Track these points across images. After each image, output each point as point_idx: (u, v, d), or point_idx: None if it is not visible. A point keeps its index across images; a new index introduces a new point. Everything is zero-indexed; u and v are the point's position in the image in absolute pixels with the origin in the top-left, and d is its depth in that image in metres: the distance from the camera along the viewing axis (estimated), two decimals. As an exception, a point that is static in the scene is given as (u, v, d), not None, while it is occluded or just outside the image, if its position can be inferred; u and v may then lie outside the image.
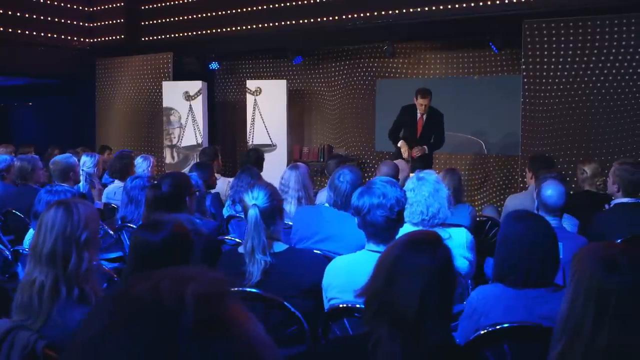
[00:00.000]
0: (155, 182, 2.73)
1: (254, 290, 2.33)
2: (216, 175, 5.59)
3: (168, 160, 8.83)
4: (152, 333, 0.54)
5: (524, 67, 6.29)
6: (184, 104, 8.71)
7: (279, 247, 2.41)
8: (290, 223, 3.27)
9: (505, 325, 2.01)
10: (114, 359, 0.53)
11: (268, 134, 8.57)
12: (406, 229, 2.97)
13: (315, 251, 2.67)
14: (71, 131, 10.02)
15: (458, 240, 2.92)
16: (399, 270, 1.40)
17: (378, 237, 2.19)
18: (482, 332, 2.04)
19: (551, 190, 2.96)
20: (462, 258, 2.92)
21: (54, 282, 1.86)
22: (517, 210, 2.13)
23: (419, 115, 6.25)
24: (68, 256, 1.87)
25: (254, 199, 2.36)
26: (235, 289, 2.38)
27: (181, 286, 0.57)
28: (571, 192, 5.47)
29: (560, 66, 6.11)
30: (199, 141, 8.60)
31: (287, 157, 8.37)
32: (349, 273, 2.19)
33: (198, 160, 6.05)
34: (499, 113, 7.62)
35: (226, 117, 10.06)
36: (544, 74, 6.18)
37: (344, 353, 1.49)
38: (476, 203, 7.88)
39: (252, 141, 8.61)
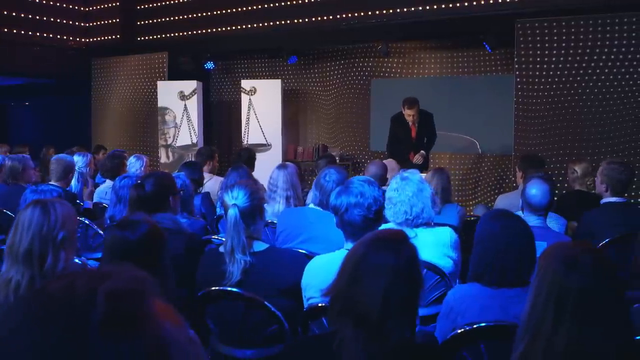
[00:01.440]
0: (139, 181, 2.73)
1: (234, 289, 2.34)
2: (208, 174, 5.60)
3: (163, 160, 8.84)
4: (62, 329, 0.54)
5: (516, 66, 6.30)
6: (179, 104, 8.72)
7: (259, 246, 2.42)
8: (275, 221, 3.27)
9: (482, 324, 2.02)
10: (24, 355, 0.54)
11: (263, 133, 8.57)
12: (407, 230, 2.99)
13: (296, 250, 2.67)
14: (67, 131, 10.04)
15: (442, 240, 2.92)
16: (362, 268, 1.40)
17: (356, 236, 2.19)
18: (459, 331, 2.05)
19: (535, 190, 2.97)
20: (446, 257, 2.92)
21: (30, 282, 1.87)
22: (494, 210, 2.14)
23: (410, 122, 6.26)
24: (44, 255, 1.88)
25: (234, 198, 2.37)
26: (215, 288, 2.40)
27: (95, 283, 0.58)
28: (564, 192, 5.51)
29: (552, 66, 6.11)
30: (194, 141, 8.61)
31: (282, 157, 8.37)
32: (327, 272, 2.18)
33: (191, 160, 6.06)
34: (494, 113, 7.62)
35: (222, 117, 10.07)
36: (537, 73, 6.19)
37: (310, 353, 1.50)
38: (471, 202, 7.88)
39: (247, 141, 8.61)
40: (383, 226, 3.04)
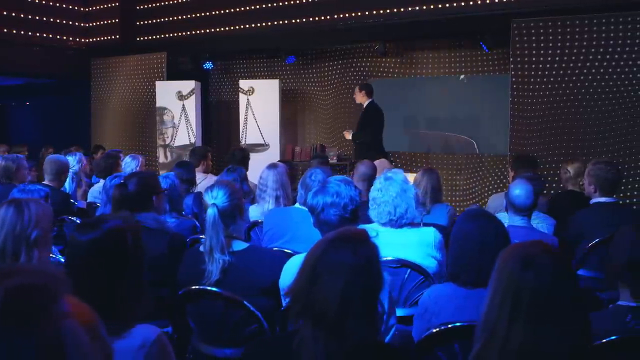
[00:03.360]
0: (122, 181, 2.75)
1: (213, 289, 2.34)
2: (203, 174, 5.61)
3: (161, 159, 8.86)
4: None
5: (512, 66, 6.28)
6: (177, 104, 8.74)
7: (239, 245, 2.42)
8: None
9: (457, 324, 2.01)
10: None
11: (261, 133, 8.58)
12: (374, 229, 2.99)
13: (276, 249, 2.67)
14: (67, 131, 10.09)
15: (426, 240, 2.92)
16: (321, 267, 1.40)
17: (332, 236, 2.19)
18: (434, 330, 2.05)
19: (519, 190, 2.96)
20: (430, 258, 2.92)
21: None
22: (470, 210, 2.14)
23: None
24: (17, 254, 1.89)
25: (213, 198, 2.38)
26: (195, 287, 2.40)
27: (1, 279, 0.59)
28: (557, 192, 5.49)
29: (548, 65, 6.09)
30: (192, 141, 8.63)
31: (280, 157, 8.37)
32: (304, 272, 2.19)
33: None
34: (491, 112, 7.61)
35: (221, 117, 10.08)
36: (532, 73, 6.17)
37: (271, 353, 1.50)
38: (469, 203, 7.86)
39: (245, 141, 8.62)
40: (367, 226, 3.05)
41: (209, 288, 2.35)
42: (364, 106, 6.94)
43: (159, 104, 8.83)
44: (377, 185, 2.90)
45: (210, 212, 2.33)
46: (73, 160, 5.09)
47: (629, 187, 5.82)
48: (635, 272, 1.91)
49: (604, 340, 1.92)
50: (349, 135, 7.08)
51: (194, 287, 2.37)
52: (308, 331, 1.37)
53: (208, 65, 9.32)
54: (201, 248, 2.44)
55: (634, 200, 5.79)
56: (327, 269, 1.39)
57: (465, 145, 8.00)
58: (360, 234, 1.49)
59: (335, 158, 8.44)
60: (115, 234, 1.59)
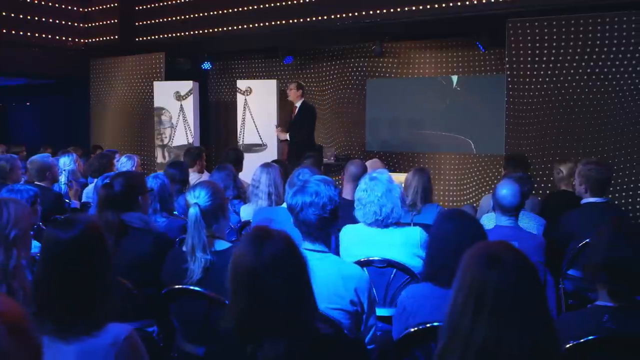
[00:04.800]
0: (107, 181, 2.76)
1: (194, 287, 2.35)
2: (198, 174, 5.63)
3: (159, 160, 8.88)
4: None
5: (507, 66, 6.27)
6: (175, 104, 8.76)
7: (221, 245, 2.43)
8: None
9: (435, 324, 2.02)
10: None
11: (258, 133, 8.59)
12: (360, 229, 3.00)
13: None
14: (66, 131, 10.12)
15: (412, 240, 2.92)
16: (259, 274, 1.47)
17: (311, 235, 2.21)
18: (411, 330, 2.06)
19: (505, 190, 2.96)
20: (416, 257, 2.92)
21: (-18, 279, 1.89)
22: (448, 210, 2.14)
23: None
24: (-4, 253, 1.90)
25: (196, 197, 2.39)
26: (177, 286, 2.41)
27: None
28: (550, 192, 5.48)
29: (544, 65, 6.08)
30: (190, 141, 8.65)
31: (278, 157, 8.38)
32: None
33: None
34: (488, 112, 7.60)
35: (219, 117, 10.10)
36: (528, 73, 6.16)
37: (229, 354, 1.53)
38: (465, 202, 7.86)
39: (243, 141, 8.64)
40: (353, 226, 3.06)
41: (191, 287, 2.36)
42: (298, 105, 7.14)
43: (156, 104, 8.85)
44: (362, 185, 2.91)
45: (192, 211, 2.34)
46: (68, 160, 5.10)
47: (625, 187, 5.80)
48: (611, 272, 1.91)
49: (582, 340, 1.92)
50: (284, 135, 7.17)
51: (176, 287, 2.39)
52: (266, 338, 1.42)
53: (206, 65, 9.33)
54: (184, 247, 2.45)
55: (629, 200, 5.78)
56: (264, 272, 1.46)
57: (463, 145, 7.99)
58: (264, 230, 1.56)
59: (332, 158, 8.44)
60: (92, 232, 1.61)
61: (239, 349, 1.47)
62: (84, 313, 1.57)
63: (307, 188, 2.20)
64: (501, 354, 1.28)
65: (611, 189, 5.75)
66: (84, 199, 5.13)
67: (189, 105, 8.72)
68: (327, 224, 2.21)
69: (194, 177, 5.28)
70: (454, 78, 7.98)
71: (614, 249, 1.91)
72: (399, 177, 4.20)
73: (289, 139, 7.11)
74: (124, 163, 5.73)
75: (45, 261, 1.58)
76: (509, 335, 1.28)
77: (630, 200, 5.78)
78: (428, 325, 2.02)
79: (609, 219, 2.14)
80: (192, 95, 8.72)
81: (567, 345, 1.91)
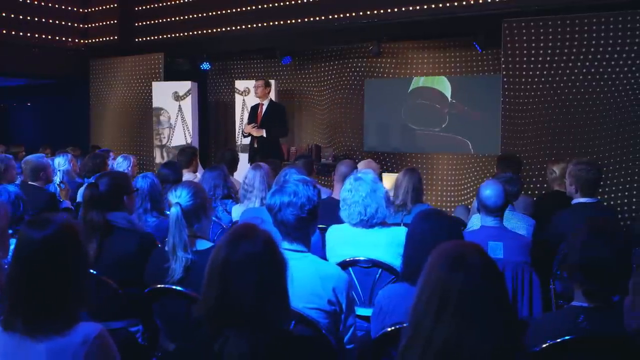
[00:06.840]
0: (93, 181, 2.77)
1: (175, 287, 2.36)
2: (193, 174, 5.64)
3: (158, 160, 8.90)
4: None
5: (503, 66, 6.27)
6: (174, 104, 8.78)
7: (203, 244, 2.44)
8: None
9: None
10: None
11: (257, 133, 8.59)
12: (345, 229, 3.00)
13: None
14: (66, 131, 10.16)
15: (397, 239, 2.92)
16: (231, 269, 1.48)
17: (290, 235, 2.21)
18: (388, 329, 2.06)
19: (489, 190, 2.95)
20: (400, 257, 2.92)
21: (-41, 278, 1.91)
22: (425, 209, 2.14)
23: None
24: (-26, 253, 1.92)
25: (177, 197, 2.40)
26: (159, 286, 2.43)
27: None
28: (543, 193, 5.47)
29: (539, 65, 6.07)
30: (189, 141, 8.67)
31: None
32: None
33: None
34: (486, 112, 7.59)
35: (218, 118, 10.13)
36: (524, 73, 6.15)
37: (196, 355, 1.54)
38: (464, 203, 7.84)
39: (241, 141, 8.64)
40: (339, 226, 3.06)
41: (173, 287, 2.37)
42: (266, 103, 7.15)
43: (155, 104, 8.88)
44: (347, 186, 2.92)
45: (174, 210, 2.36)
46: (63, 160, 5.13)
47: (620, 187, 5.78)
48: (586, 272, 1.90)
49: (557, 340, 1.92)
50: (259, 132, 6.93)
51: (158, 286, 2.40)
52: (231, 332, 1.42)
53: (205, 66, 9.36)
54: (166, 247, 2.46)
55: (625, 200, 5.76)
56: (236, 268, 1.48)
57: (460, 145, 7.98)
58: (250, 228, 1.59)
59: (331, 158, 8.45)
60: (66, 232, 1.61)
61: (207, 346, 1.48)
62: (54, 312, 1.57)
63: (285, 188, 2.20)
64: (461, 356, 1.28)
65: (606, 189, 5.74)
66: (78, 199, 5.15)
67: (188, 105, 8.75)
68: (306, 224, 2.21)
69: (188, 177, 5.29)
70: (448, 92, 7.99)
71: (590, 249, 1.91)
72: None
73: (265, 135, 6.96)
74: (120, 163, 5.76)
75: (17, 260, 1.60)
76: (470, 337, 1.28)
77: (625, 200, 5.76)
78: (404, 324, 2.02)
79: (589, 219, 2.14)
80: (190, 95, 8.75)
81: (544, 345, 1.91)
